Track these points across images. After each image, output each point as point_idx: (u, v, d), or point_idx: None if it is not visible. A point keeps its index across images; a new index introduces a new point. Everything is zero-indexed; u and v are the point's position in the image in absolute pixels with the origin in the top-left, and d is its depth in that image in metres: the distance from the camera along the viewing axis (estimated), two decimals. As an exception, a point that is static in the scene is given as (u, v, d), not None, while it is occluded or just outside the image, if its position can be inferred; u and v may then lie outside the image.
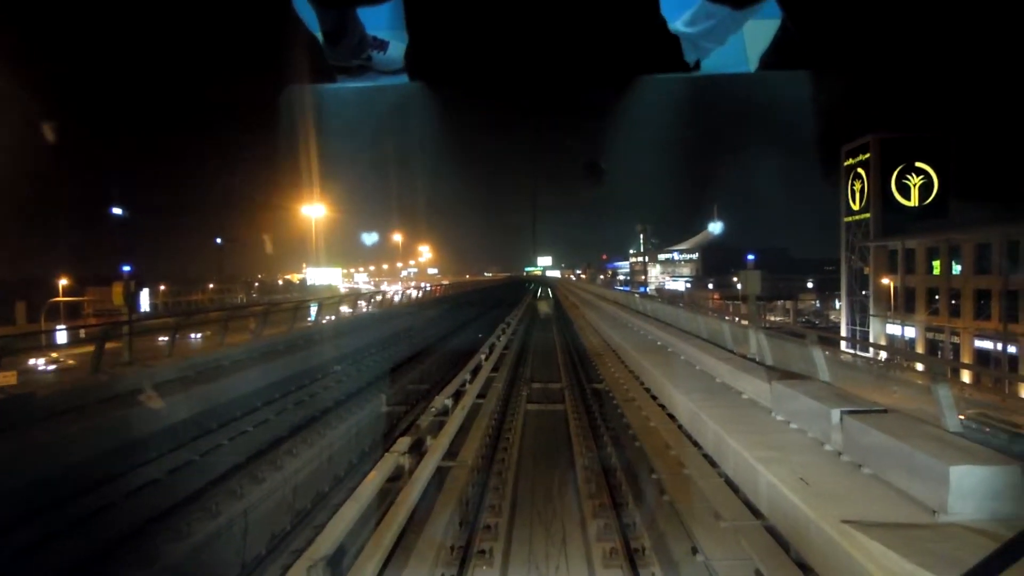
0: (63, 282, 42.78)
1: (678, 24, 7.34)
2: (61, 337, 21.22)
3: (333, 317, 27.60)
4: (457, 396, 15.33)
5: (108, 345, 13.76)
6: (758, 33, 7.04)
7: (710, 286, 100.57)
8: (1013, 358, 37.28)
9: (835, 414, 7.44)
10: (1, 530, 8.19)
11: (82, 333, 19.39)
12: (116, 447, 10.89)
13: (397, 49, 8.58)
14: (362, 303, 33.68)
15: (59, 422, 10.62)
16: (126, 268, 36.32)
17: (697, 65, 8.02)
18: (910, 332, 47.30)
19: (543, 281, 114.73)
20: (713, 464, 9.50)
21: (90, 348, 13.65)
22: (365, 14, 7.67)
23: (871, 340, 50.29)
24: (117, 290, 18.87)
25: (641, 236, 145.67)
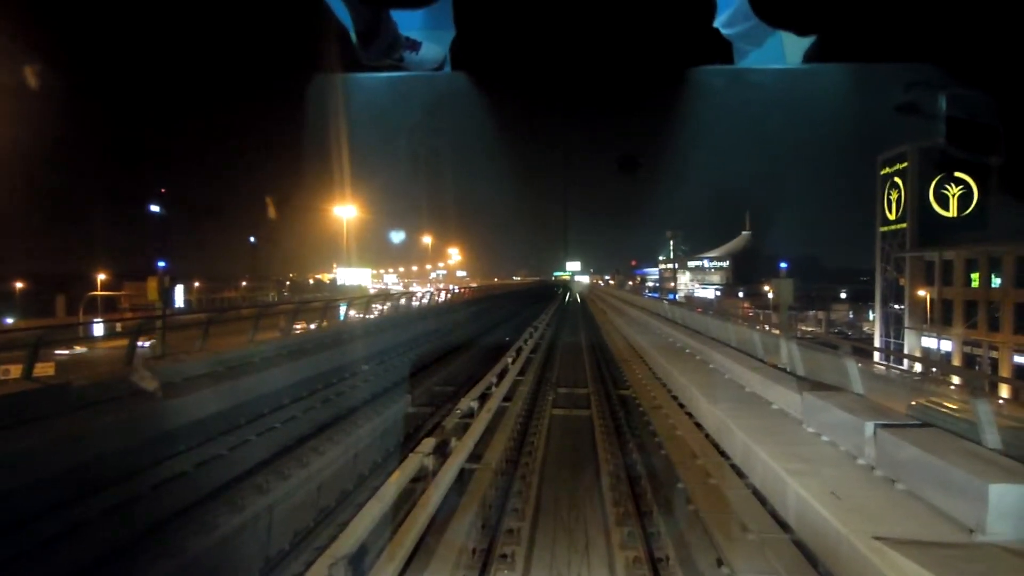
0: (101, 277, 43.73)
1: (717, 25, 7.25)
2: (97, 330, 21.65)
3: (362, 316, 27.75)
4: (483, 399, 15.32)
5: (142, 339, 13.97)
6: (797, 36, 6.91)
7: (740, 294, 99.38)
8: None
9: (868, 427, 7.26)
10: (33, 518, 8.35)
11: (118, 327, 19.71)
12: (146, 439, 11.06)
13: (431, 50, 8.59)
14: (391, 303, 33.84)
15: (93, 412, 10.81)
16: (161, 264, 36.96)
17: (731, 58, 7.92)
18: (946, 345, 46.25)
19: (571, 286, 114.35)
20: (741, 475, 9.34)
21: (125, 342, 13.87)
22: (399, 15, 7.68)
23: (906, 352, 49.27)
24: (152, 285, 19.20)
25: (671, 242, 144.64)
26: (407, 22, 7.97)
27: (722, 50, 7.42)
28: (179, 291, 40.29)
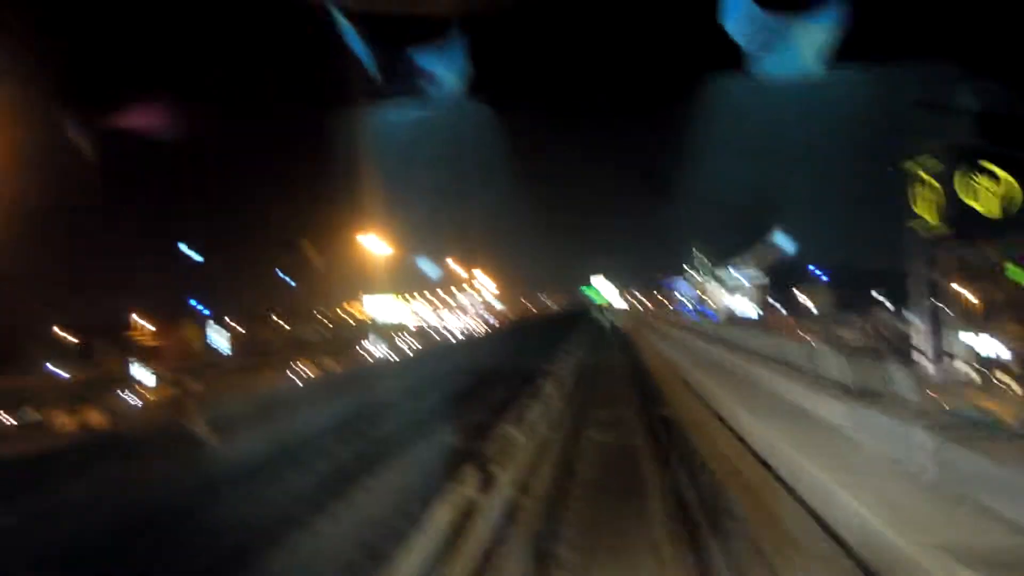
0: (145, 324, 44.56)
1: (728, 31, 7.33)
2: (143, 377, 22.12)
3: (397, 352, 27.96)
4: (523, 425, 15.29)
5: (188, 385, 14.28)
6: (811, 38, 6.96)
7: (776, 304, 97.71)
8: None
9: (921, 435, 7.12)
10: (84, 560, 8.52)
11: (162, 373, 20.16)
12: (191, 482, 11.24)
13: (448, 80, 8.75)
14: (425, 337, 34.09)
15: (138, 459, 11.02)
16: (199, 306, 37.63)
17: (744, 67, 7.96)
18: (992, 345, 44.93)
19: (600, 317, 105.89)
20: (790, 489, 9.18)
21: (169, 389, 14.20)
22: (417, 50, 7.88)
23: (952, 353, 47.95)
24: (194, 334, 19.65)
25: (701, 255, 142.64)
26: (426, 57, 8.15)
27: (736, 58, 7.49)
28: (220, 334, 40.87)
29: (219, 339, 37.90)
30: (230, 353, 38.13)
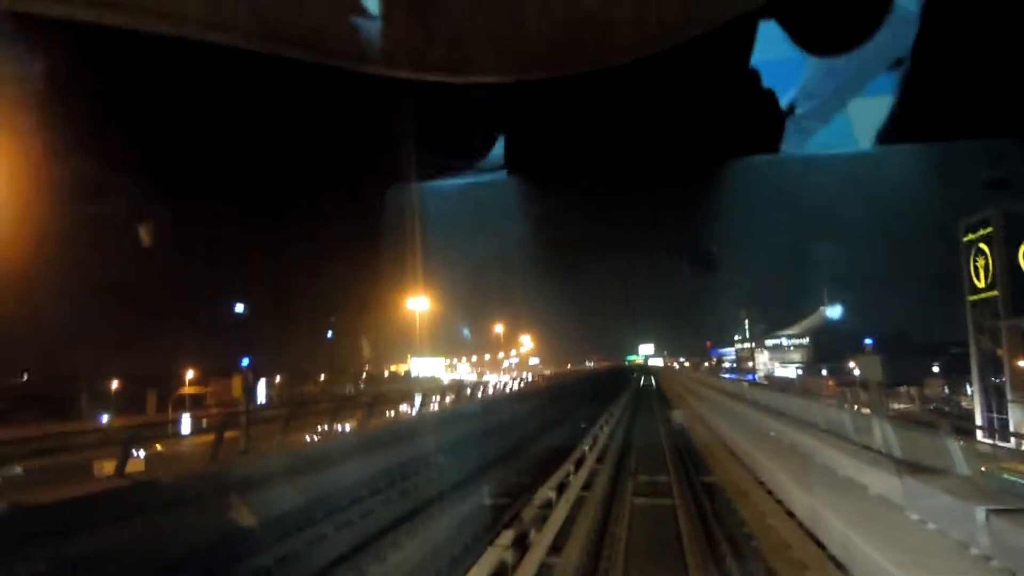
0: (189, 375, 45.66)
1: (783, 105, 7.32)
2: (185, 427, 22.39)
3: (436, 407, 27.89)
4: (561, 489, 15.00)
5: (227, 434, 14.40)
6: (866, 110, 6.89)
7: (823, 372, 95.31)
8: None
9: (980, 512, 6.73)
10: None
11: (204, 423, 20.41)
12: (229, 534, 11.24)
13: (497, 154, 8.92)
14: (465, 393, 33.98)
15: (178, 509, 11.11)
16: (245, 362, 38.38)
17: (778, 144, 7.91)
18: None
19: (645, 370, 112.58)
20: (840, 566, 8.73)
21: (210, 437, 14.32)
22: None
23: (1011, 428, 45.85)
24: (237, 382, 19.95)
25: (747, 321, 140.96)
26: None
27: (775, 136, 7.46)
28: (262, 386, 41.55)
29: (261, 391, 38.61)
30: (265, 402, 38.82)
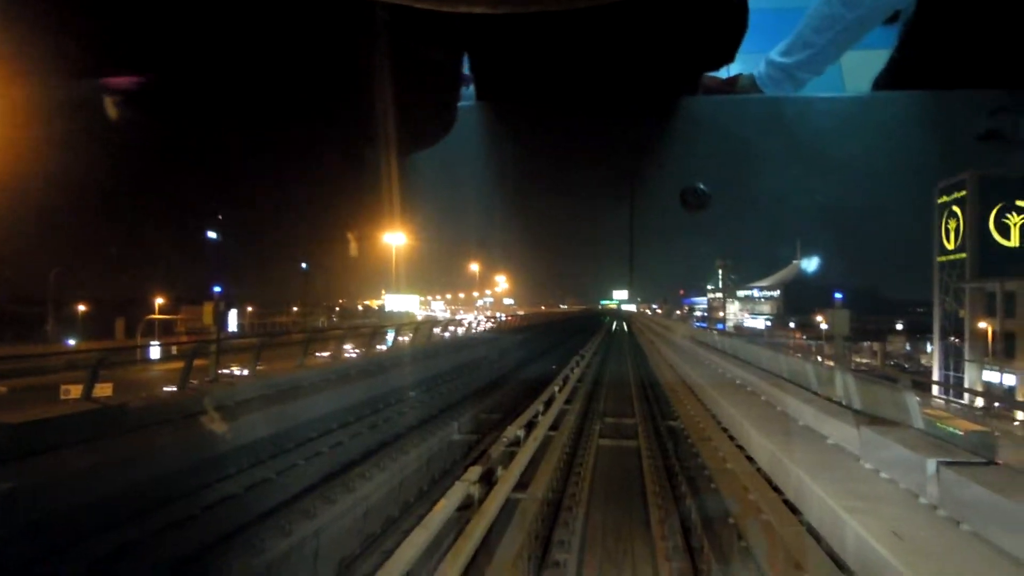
0: (159, 301, 45.09)
1: (773, 54, 7.20)
2: (154, 352, 22.30)
3: (409, 342, 28.01)
4: (529, 427, 15.26)
5: (196, 362, 14.36)
6: (860, 63, 6.83)
7: (791, 325, 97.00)
8: None
9: (931, 464, 6.98)
10: (86, 536, 8.59)
11: (174, 349, 20.32)
12: (197, 461, 11.31)
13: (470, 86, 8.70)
14: (438, 330, 34.12)
15: (147, 434, 11.13)
16: (217, 289, 37.95)
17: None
18: (1010, 379, 44.33)
19: (618, 315, 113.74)
20: (795, 511, 9.06)
21: (180, 364, 14.28)
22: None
23: (967, 386, 47.38)
24: (208, 310, 19.79)
25: (720, 271, 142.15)
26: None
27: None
28: (233, 316, 41.24)
29: (232, 320, 38.30)
30: (236, 331, 38.59)
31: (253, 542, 9.78)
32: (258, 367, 15.93)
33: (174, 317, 43.09)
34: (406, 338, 27.73)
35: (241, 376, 15.47)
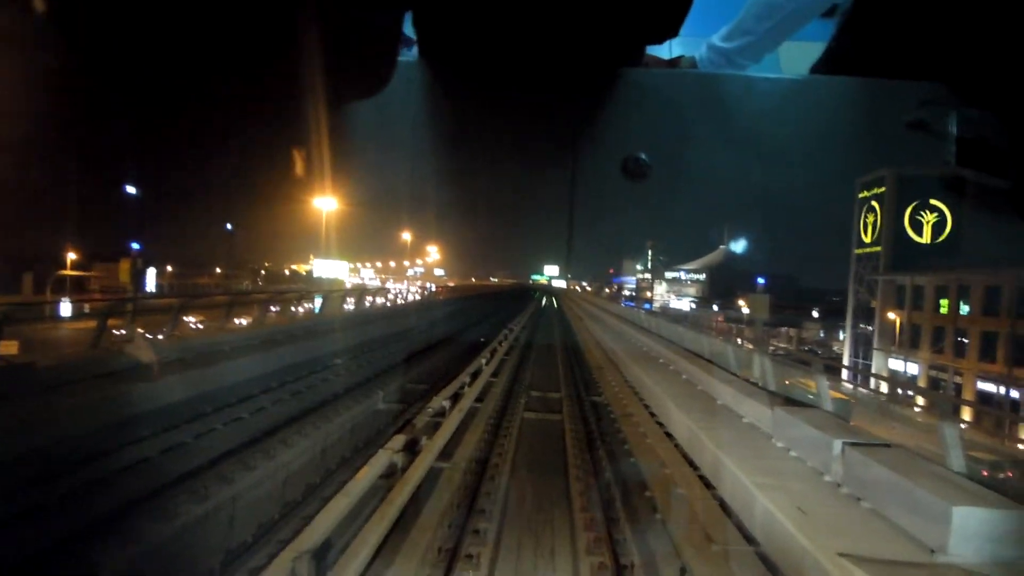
0: (71, 256, 42.91)
1: (715, 38, 7.27)
2: (65, 310, 21.24)
3: (336, 310, 27.56)
4: (455, 399, 15.29)
5: (111, 322, 13.76)
6: (797, 54, 6.98)
7: (715, 307, 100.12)
8: (1015, 403, 37.08)
9: (836, 444, 7.33)
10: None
11: (86, 307, 19.38)
12: (108, 423, 10.85)
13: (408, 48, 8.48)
14: (368, 299, 33.69)
15: (55, 394, 10.61)
16: (135, 246, 36.35)
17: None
18: (913, 368, 47.07)
19: (548, 290, 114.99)
20: (709, 486, 9.38)
21: (93, 323, 13.65)
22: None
23: (873, 372, 50.07)
24: (124, 267, 18.98)
25: (649, 252, 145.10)
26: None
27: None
28: (151, 275, 39.60)
29: (150, 280, 36.81)
30: (155, 291, 37.14)
31: (166, 507, 9.50)
32: (177, 329, 15.39)
33: (88, 274, 41.15)
34: (334, 305, 27.28)
35: (159, 338, 14.89)
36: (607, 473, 12.19)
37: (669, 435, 12.33)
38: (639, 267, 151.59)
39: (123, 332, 14.36)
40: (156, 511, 9.33)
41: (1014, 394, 37.35)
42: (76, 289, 38.34)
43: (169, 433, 11.80)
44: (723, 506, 8.60)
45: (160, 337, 15.11)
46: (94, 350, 12.89)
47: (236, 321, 19.13)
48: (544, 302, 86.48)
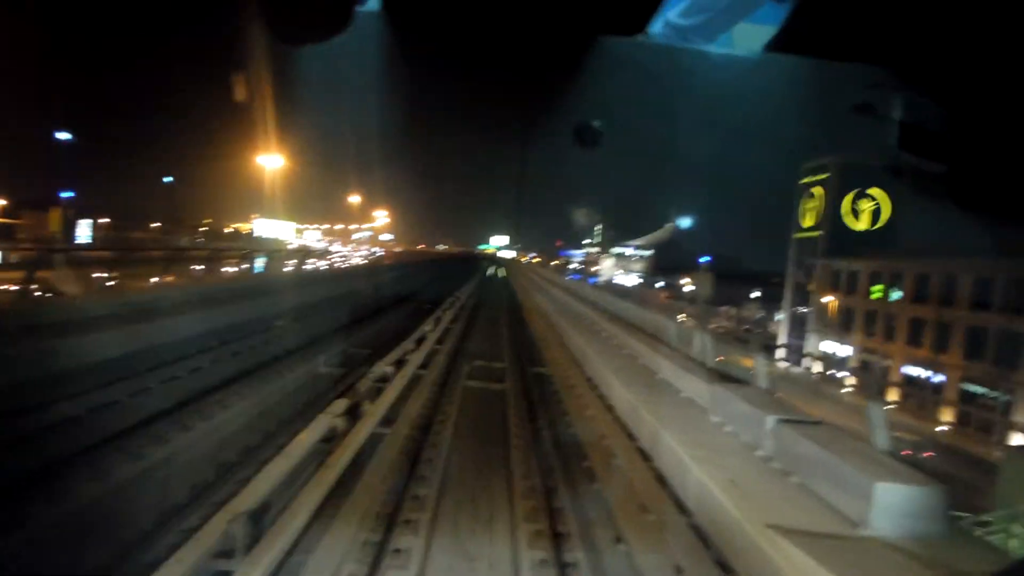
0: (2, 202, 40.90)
1: (672, 15, 7.25)
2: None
3: (280, 270, 27.00)
4: (398, 364, 15.22)
5: (40, 273, 13.19)
6: (749, 36, 7.00)
7: (660, 284, 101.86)
8: (938, 387, 38.97)
9: (769, 420, 7.57)
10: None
11: (13, 257, 18.52)
12: (35, 378, 10.45)
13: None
14: (312, 261, 33.12)
15: None
16: (67, 195, 34.80)
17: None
18: (845, 350, 48.94)
19: (495, 260, 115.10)
20: (647, 458, 9.59)
21: (20, 274, 13.07)
22: None
23: (807, 352, 51.92)
24: (55, 216, 18.15)
25: (598, 227, 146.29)
26: None
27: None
28: (85, 226, 37.96)
29: (84, 231, 35.27)
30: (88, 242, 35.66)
31: (98, 466, 9.23)
32: (112, 283, 14.86)
33: (15, 222, 39.32)
34: (276, 267, 26.72)
35: (91, 291, 14.35)
36: (547, 443, 12.35)
37: (610, 407, 12.54)
38: (587, 241, 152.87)
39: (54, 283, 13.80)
40: (86, 471, 9.07)
41: (938, 378, 39.22)
42: (3, 237, 36.57)
43: (101, 391, 11.44)
44: (659, 477, 8.81)
45: (93, 290, 14.58)
46: (21, 302, 12.37)
47: (175, 278, 18.58)
48: (491, 271, 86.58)
